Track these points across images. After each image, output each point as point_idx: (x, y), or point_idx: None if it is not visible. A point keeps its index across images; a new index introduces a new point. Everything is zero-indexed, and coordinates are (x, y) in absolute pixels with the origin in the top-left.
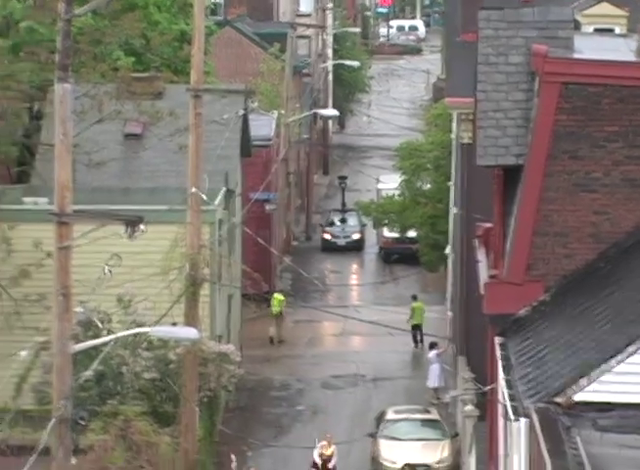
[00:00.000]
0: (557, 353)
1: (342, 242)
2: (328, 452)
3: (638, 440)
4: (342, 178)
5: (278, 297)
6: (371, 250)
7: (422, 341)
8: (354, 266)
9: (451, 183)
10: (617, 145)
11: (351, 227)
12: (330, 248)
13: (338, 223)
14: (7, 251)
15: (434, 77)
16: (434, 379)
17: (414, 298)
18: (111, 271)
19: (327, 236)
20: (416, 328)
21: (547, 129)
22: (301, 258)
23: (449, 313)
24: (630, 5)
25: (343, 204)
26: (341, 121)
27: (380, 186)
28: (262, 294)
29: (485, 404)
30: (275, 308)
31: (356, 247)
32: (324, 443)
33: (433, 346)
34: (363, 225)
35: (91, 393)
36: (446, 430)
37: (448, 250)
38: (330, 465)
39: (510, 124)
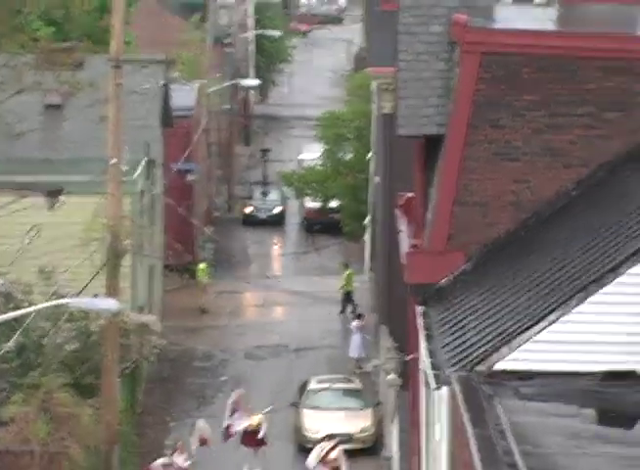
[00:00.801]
0: (478, 322)
1: (263, 215)
2: (255, 423)
3: (560, 407)
4: (265, 151)
5: (202, 267)
6: (293, 221)
7: (355, 308)
8: (276, 237)
9: (372, 153)
10: (537, 114)
11: (273, 201)
12: (251, 222)
13: (258, 196)
14: None
15: (355, 47)
16: (355, 349)
17: (345, 265)
18: (30, 242)
19: (248, 209)
20: (348, 295)
21: (467, 99)
22: (223, 228)
23: (368, 283)
24: None
25: (265, 177)
26: (262, 92)
27: (302, 156)
28: (184, 264)
29: (408, 374)
30: (202, 278)
31: (278, 221)
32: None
33: (358, 316)
34: (285, 199)
35: (12, 365)
36: (369, 399)
37: (367, 220)
38: (260, 436)
39: (431, 94)
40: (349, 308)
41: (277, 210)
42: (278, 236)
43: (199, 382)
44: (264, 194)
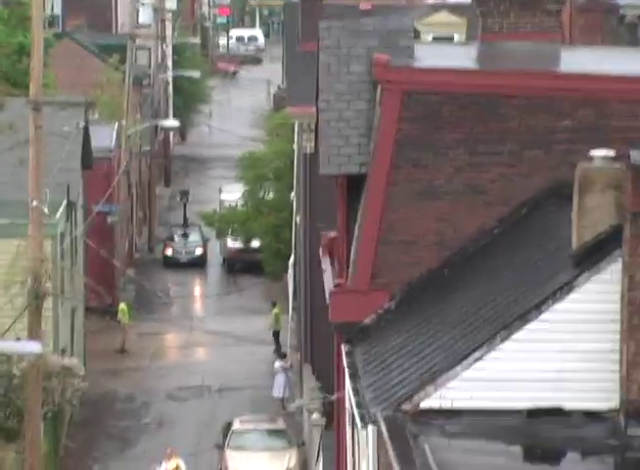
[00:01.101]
0: (403, 361)
1: (184, 258)
2: (172, 467)
3: (486, 445)
4: (184, 193)
5: (122, 307)
6: (215, 262)
7: (279, 348)
8: (198, 278)
9: (294, 193)
10: (458, 152)
11: (193, 242)
12: (172, 263)
13: (179, 238)
14: None
15: (274, 87)
16: (279, 389)
17: (274, 304)
18: None
19: (169, 251)
20: (277, 334)
21: (389, 138)
22: (145, 269)
23: (290, 322)
24: (469, 13)
25: (185, 218)
26: (182, 132)
27: (223, 197)
28: (106, 306)
29: (332, 413)
30: (124, 318)
31: (199, 262)
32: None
33: (282, 356)
34: (205, 240)
35: None
36: (293, 439)
37: (291, 260)
38: None
39: (352, 134)
40: (274, 347)
41: (198, 251)
42: (199, 277)
43: (121, 424)
44: (185, 236)
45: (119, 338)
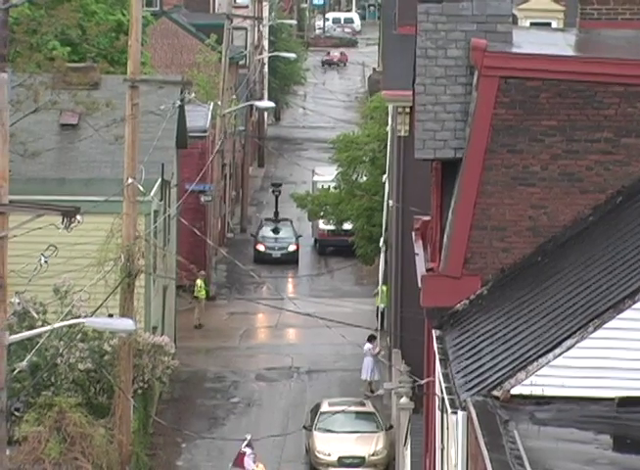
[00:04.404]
0: (494, 347)
1: (277, 254)
2: None
3: (575, 433)
4: (277, 186)
5: (199, 282)
6: (307, 243)
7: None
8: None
9: (387, 176)
10: (554, 139)
11: (287, 238)
12: (264, 259)
13: (270, 234)
14: None
15: (369, 70)
16: (367, 372)
17: (384, 282)
18: (47, 262)
19: (261, 247)
20: (382, 312)
21: (486, 123)
22: (236, 249)
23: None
24: None
25: (277, 213)
26: (276, 113)
27: (315, 178)
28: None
29: (420, 397)
30: (200, 293)
31: (292, 260)
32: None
33: (370, 339)
34: (298, 236)
35: (25, 384)
36: (381, 422)
37: (382, 242)
38: None
39: (448, 118)
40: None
41: (291, 248)
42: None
43: (210, 403)
44: (275, 231)
45: (195, 313)
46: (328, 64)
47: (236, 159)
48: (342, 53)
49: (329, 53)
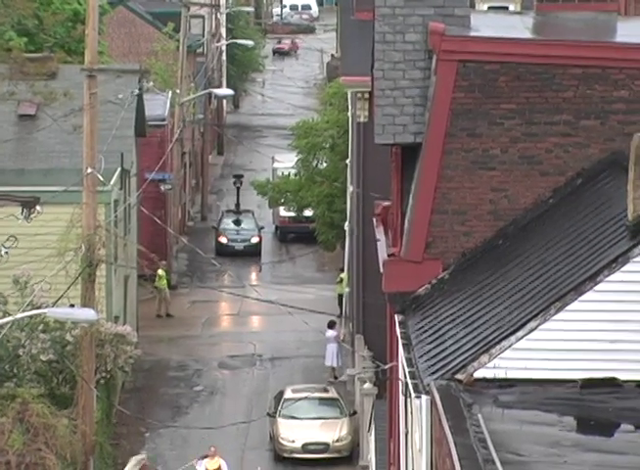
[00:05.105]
0: (457, 331)
1: (239, 246)
2: (213, 467)
3: (539, 415)
4: (238, 177)
5: (160, 272)
6: (268, 230)
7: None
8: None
9: (348, 161)
10: (514, 122)
11: (249, 230)
12: (226, 252)
13: (231, 225)
14: None
15: (327, 56)
16: (330, 358)
17: (342, 269)
18: (7, 253)
19: (222, 239)
20: (341, 298)
21: (445, 107)
22: (197, 238)
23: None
24: None
25: (238, 204)
26: (235, 101)
27: (276, 165)
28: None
29: (383, 382)
30: (160, 283)
31: (255, 252)
32: (208, 457)
33: (331, 325)
34: (261, 228)
35: None
36: (345, 408)
37: (347, 227)
38: None
39: (407, 103)
40: (338, 313)
41: (254, 240)
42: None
43: (173, 392)
44: (237, 222)
45: (156, 303)
46: (279, 53)
47: (195, 147)
48: (292, 41)
49: (280, 41)
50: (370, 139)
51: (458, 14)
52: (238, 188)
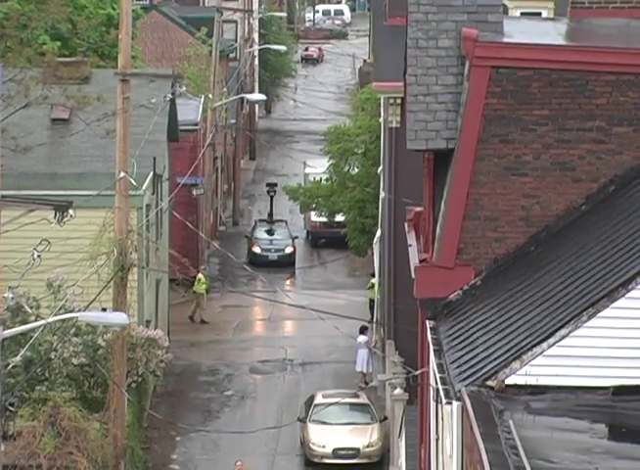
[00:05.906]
0: (489, 337)
1: (273, 256)
2: None
3: (570, 422)
4: (272, 186)
5: (199, 277)
6: (299, 235)
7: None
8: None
9: (380, 168)
10: (546, 128)
11: (282, 240)
12: (260, 262)
13: (264, 235)
14: None
15: (360, 62)
16: (361, 363)
17: (372, 275)
18: (40, 256)
19: (256, 249)
20: (373, 303)
21: (477, 113)
22: (229, 242)
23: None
24: None
25: (271, 214)
26: (267, 106)
27: (307, 171)
28: (190, 278)
29: (414, 388)
30: (199, 288)
31: (289, 262)
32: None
33: (362, 330)
34: (294, 238)
35: (19, 379)
36: (375, 414)
37: (378, 234)
38: None
39: (440, 108)
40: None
41: (288, 250)
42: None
43: (204, 396)
44: (270, 232)
45: (192, 306)
46: (307, 59)
47: (227, 152)
48: (319, 48)
49: (307, 48)
50: (402, 145)
51: (491, 20)
52: (272, 197)
